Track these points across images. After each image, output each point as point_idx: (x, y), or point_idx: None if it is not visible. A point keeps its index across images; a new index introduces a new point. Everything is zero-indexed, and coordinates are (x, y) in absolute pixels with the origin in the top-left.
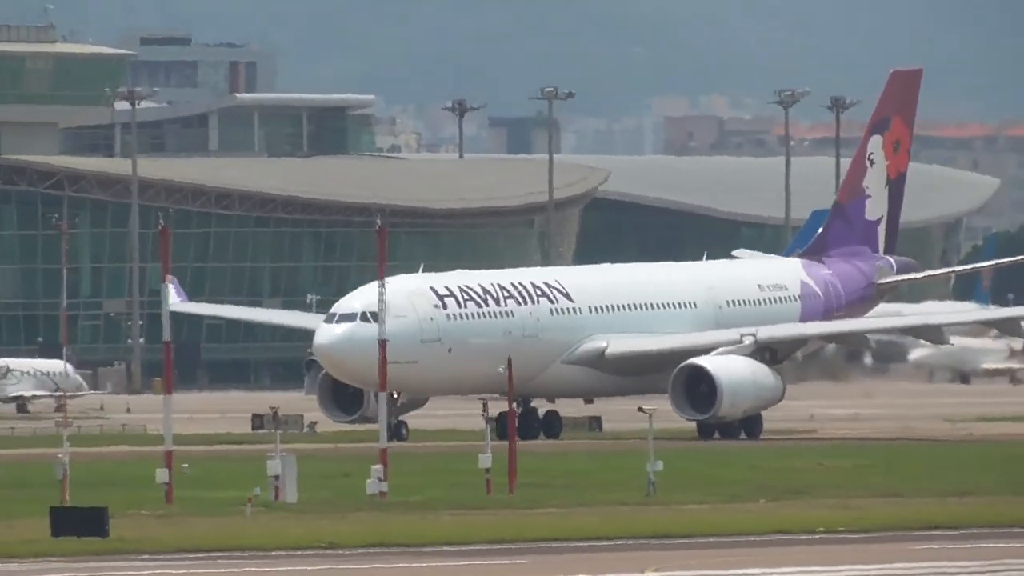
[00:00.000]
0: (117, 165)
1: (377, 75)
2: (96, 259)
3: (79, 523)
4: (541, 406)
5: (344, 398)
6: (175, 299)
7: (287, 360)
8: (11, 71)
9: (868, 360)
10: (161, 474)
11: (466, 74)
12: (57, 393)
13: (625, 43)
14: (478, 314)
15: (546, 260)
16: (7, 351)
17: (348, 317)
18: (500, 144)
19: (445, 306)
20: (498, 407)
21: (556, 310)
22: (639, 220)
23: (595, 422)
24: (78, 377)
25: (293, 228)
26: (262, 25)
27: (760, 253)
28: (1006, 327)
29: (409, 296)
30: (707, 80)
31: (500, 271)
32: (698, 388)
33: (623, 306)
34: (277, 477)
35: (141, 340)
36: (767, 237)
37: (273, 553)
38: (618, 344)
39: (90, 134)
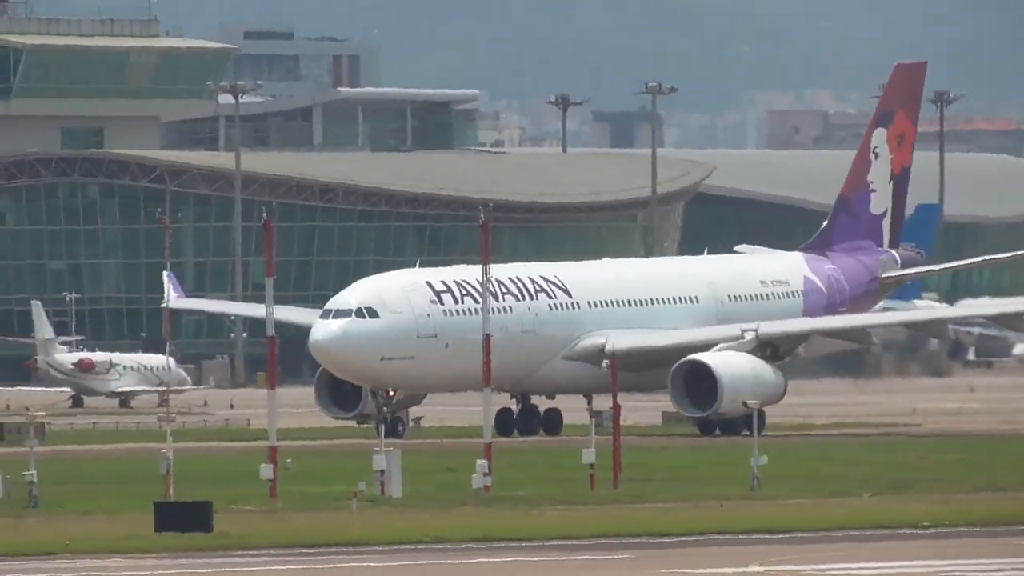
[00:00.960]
0: (220, 159)
1: (481, 70)
2: (199, 253)
3: (183, 518)
4: (538, 403)
5: (342, 395)
6: (172, 295)
7: None
8: (114, 65)
9: (971, 355)
10: (265, 469)
11: (570, 69)
12: (160, 388)
13: (727, 38)
14: (475, 310)
15: (649, 254)
16: (110, 346)
17: (344, 313)
18: (603, 138)
19: (442, 302)
20: (499, 402)
21: (555, 305)
22: (742, 214)
23: None
24: (181, 372)
25: (397, 223)
26: (365, 19)
27: (764, 248)
28: (1010, 322)
29: (405, 292)
30: (810, 74)
31: (498, 266)
32: (699, 384)
33: (623, 301)
34: (382, 472)
35: (244, 334)
36: None
37: (378, 547)
38: (617, 340)
39: (193, 128)
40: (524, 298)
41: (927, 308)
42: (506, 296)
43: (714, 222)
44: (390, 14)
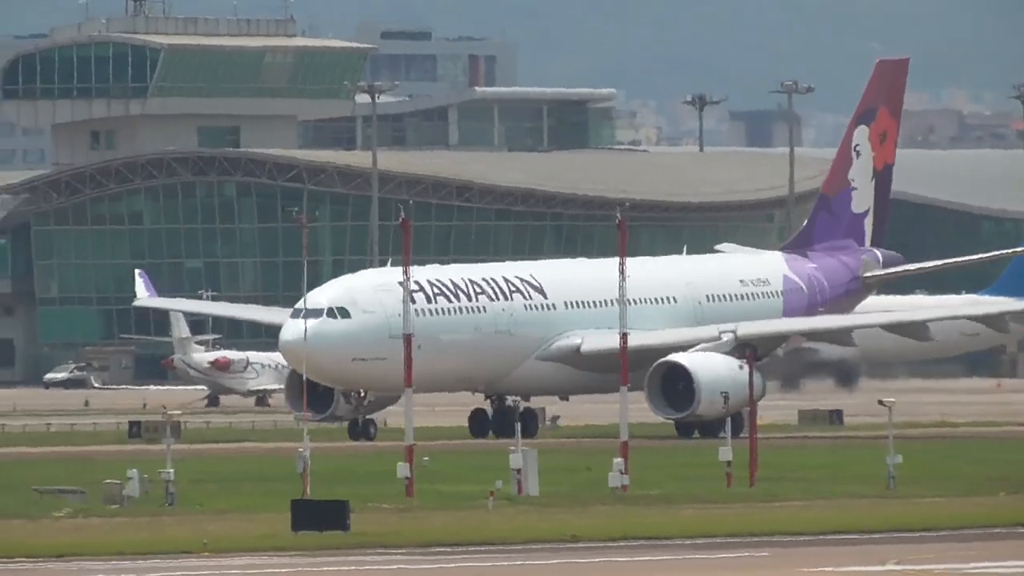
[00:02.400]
0: (357, 158)
1: (618, 69)
2: (336, 252)
3: (320, 517)
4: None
5: (314, 396)
6: (144, 293)
7: None
8: (250, 65)
9: None
10: (402, 468)
11: (706, 68)
12: None
13: (862, 38)
14: (449, 309)
15: None
16: (247, 344)
17: (314, 312)
18: (740, 137)
19: (414, 301)
20: (473, 403)
21: (530, 306)
22: None
23: (835, 415)
24: None
25: (534, 222)
26: (501, 19)
27: (746, 247)
28: (994, 322)
29: (376, 291)
30: (945, 74)
31: (473, 265)
32: (675, 386)
33: (599, 302)
34: (519, 471)
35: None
36: (1007, 231)
37: (515, 547)
38: (593, 340)
39: (331, 127)
40: (498, 298)
41: (911, 308)
42: (480, 296)
43: None
44: (527, 14)
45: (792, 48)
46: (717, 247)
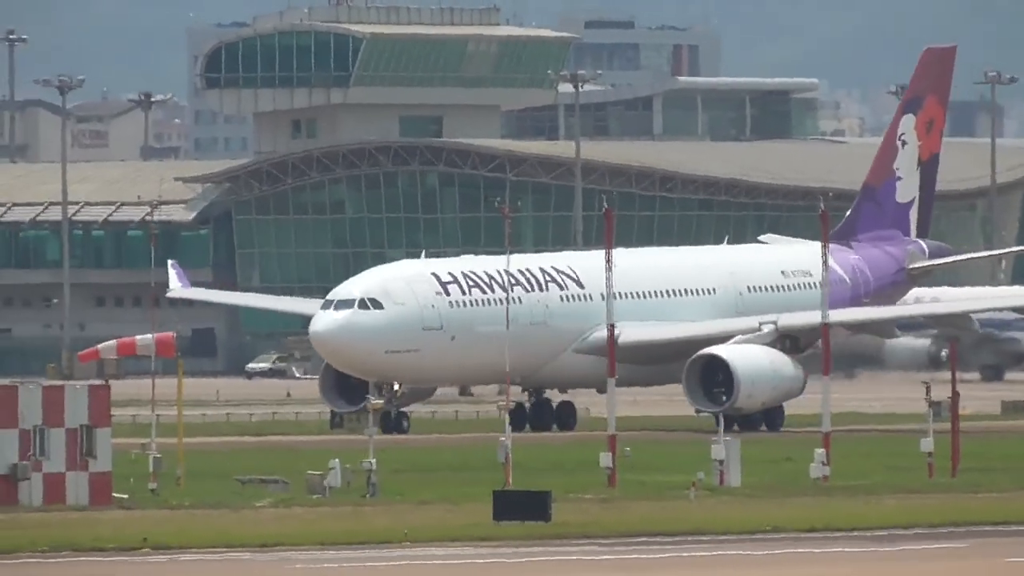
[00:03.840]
0: (559, 148)
1: (821, 59)
2: (539, 242)
3: (522, 507)
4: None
5: (348, 387)
6: (176, 284)
7: None
8: (454, 54)
9: None
10: (604, 458)
11: (911, 58)
12: None
13: None
14: (483, 300)
15: (988, 244)
16: None
17: (346, 303)
18: None
19: (448, 292)
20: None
21: (566, 297)
22: None
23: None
24: None
25: (736, 212)
26: (704, 8)
27: (788, 238)
28: None
29: (409, 282)
30: None
31: (510, 256)
32: (714, 378)
33: (637, 293)
34: (721, 461)
35: None
36: None
37: (716, 537)
38: (631, 332)
39: (534, 117)
40: (534, 289)
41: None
42: (515, 287)
43: None
44: (730, 3)
45: (997, 38)
46: (760, 237)
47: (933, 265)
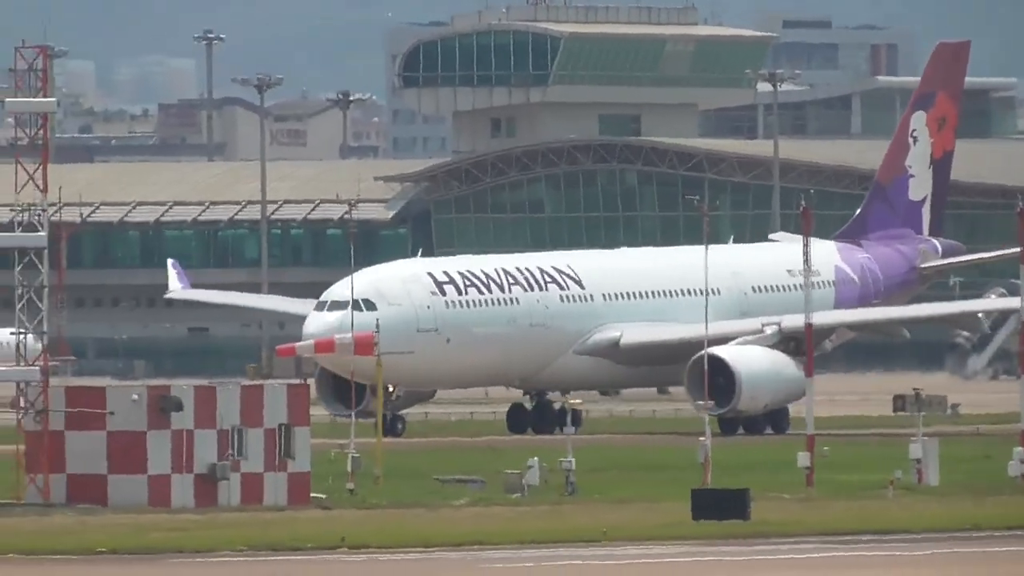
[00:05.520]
0: (757, 147)
1: (1020, 57)
2: (737, 241)
3: (720, 505)
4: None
5: (345, 391)
6: (176, 284)
7: (930, 341)
8: (651, 54)
9: None
10: (802, 457)
11: None
12: None
13: None
14: (480, 301)
15: None
16: None
17: (339, 304)
18: None
19: (444, 293)
20: (509, 400)
21: (566, 297)
22: None
23: None
24: None
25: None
26: (903, 8)
27: (799, 236)
28: None
29: (404, 283)
30: None
31: (506, 255)
32: (715, 380)
33: (639, 293)
34: (919, 460)
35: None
36: None
37: (915, 535)
38: (633, 333)
39: (731, 116)
40: (533, 289)
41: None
42: (513, 287)
43: None
44: (928, 2)
45: None
46: (771, 236)
47: (946, 264)
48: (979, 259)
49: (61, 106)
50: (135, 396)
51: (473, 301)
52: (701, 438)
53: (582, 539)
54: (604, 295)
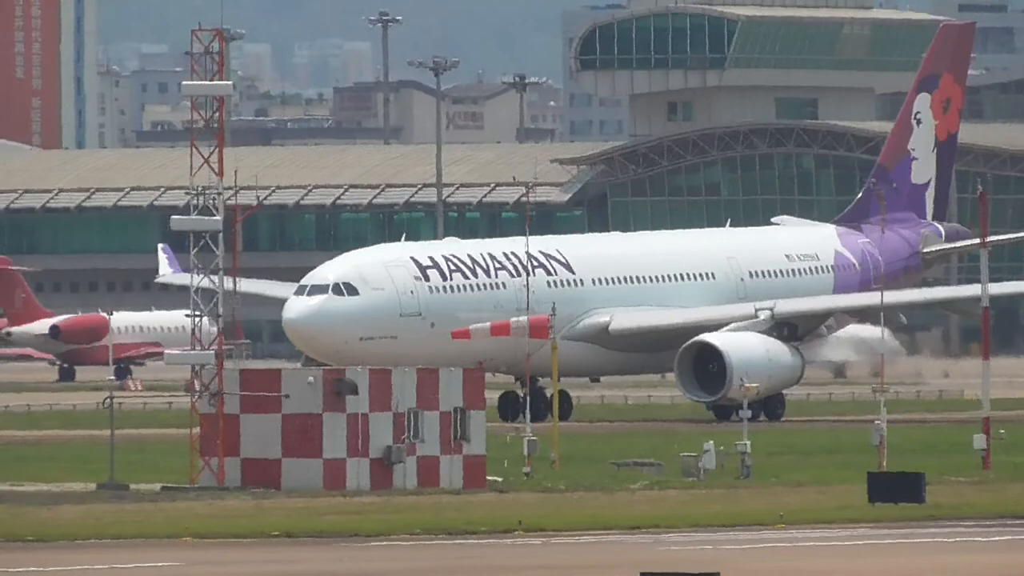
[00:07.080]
0: None
1: None
2: None
3: (896, 489)
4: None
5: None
6: (166, 269)
7: None
8: (828, 37)
9: None
10: (978, 440)
11: None
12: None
13: None
14: (465, 286)
15: None
16: None
17: (320, 289)
18: None
19: (427, 278)
20: (500, 387)
21: (554, 282)
22: None
23: None
24: (896, 342)
25: None
26: None
27: (801, 220)
28: None
29: (387, 267)
30: None
31: (493, 240)
32: (707, 367)
33: (630, 278)
34: None
35: None
36: None
37: None
38: (623, 319)
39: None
40: (520, 274)
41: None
42: (499, 272)
43: None
44: None
45: None
46: (774, 219)
47: (949, 249)
48: (981, 244)
49: (237, 89)
50: (311, 379)
51: (458, 286)
52: (876, 421)
53: (758, 522)
54: (594, 280)
